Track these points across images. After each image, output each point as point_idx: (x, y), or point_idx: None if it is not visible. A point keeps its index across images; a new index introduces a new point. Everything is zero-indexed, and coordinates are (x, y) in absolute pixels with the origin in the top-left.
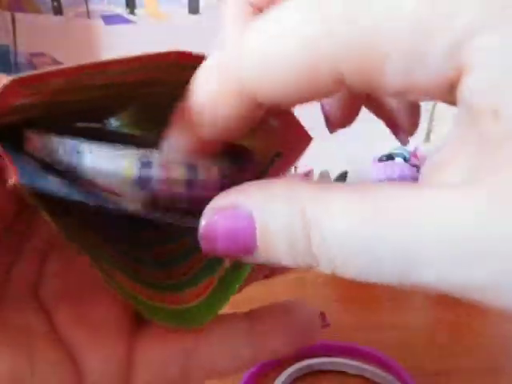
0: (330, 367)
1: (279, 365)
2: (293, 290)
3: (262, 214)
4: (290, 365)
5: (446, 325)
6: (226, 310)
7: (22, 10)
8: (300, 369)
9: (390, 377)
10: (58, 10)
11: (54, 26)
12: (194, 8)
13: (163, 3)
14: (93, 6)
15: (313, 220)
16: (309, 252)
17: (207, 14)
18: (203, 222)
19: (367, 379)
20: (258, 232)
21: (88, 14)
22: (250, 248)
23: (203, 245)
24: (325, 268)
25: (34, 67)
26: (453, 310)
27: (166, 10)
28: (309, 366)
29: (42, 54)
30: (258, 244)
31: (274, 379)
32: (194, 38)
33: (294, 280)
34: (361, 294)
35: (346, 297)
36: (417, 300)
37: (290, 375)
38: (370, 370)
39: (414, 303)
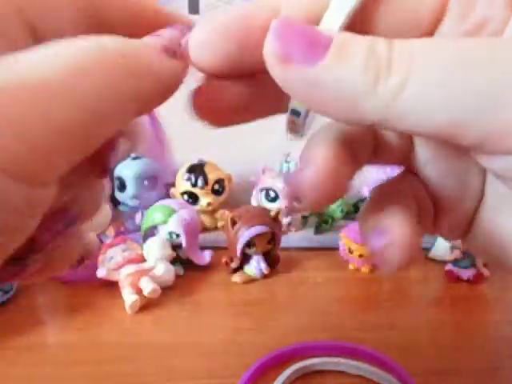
0: (330, 367)
1: (279, 365)
2: (293, 290)
3: (341, 38)
4: (290, 365)
5: (445, 325)
6: (226, 310)
7: None
8: (300, 369)
9: (389, 377)
10: None
11: None
12: (194, 8)
13: (163, 3)
14: None
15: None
16: (388, 57)
17: (207, 14)
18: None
19: (367, 379)
20: (333, 46)
21: None
22: (320, 53)
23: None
24: (397, 77)
25: None
26: (453, 310)
27: None
28: (309, 366)
29: None
30: (331, 54)
31: (274, 379)
32: None
33: (294, 280)
34: (361, 294)
35: (346, 297)
36: (416, 300)
37: (290, 375)
38: (369, 370)
39: (413, 303)
